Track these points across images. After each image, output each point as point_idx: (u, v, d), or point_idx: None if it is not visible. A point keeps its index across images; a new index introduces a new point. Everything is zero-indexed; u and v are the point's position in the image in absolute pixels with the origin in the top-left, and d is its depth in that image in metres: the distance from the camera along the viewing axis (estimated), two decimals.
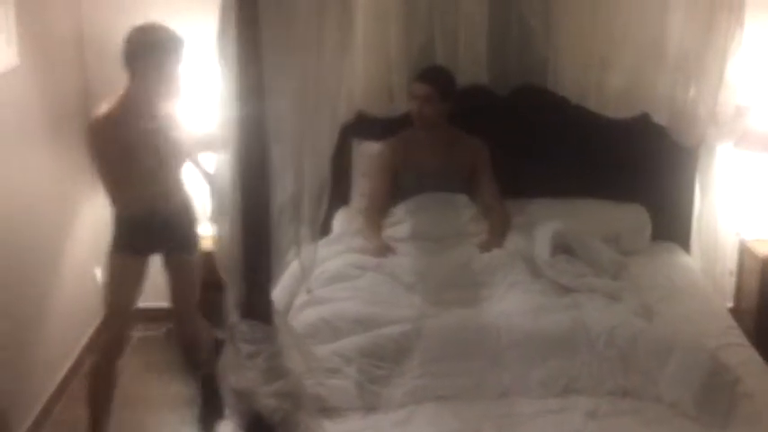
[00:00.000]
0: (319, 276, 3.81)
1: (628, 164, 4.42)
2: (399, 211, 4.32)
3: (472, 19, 4.48)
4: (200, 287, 4.07)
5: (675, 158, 4.47)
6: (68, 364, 4.57)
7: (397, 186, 4.39)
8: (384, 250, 4.14)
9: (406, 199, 4.34)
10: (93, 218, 4.69)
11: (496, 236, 4.19)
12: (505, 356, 3.38)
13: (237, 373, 2.60)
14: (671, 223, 4.54)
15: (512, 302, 3.71)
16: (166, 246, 3.92)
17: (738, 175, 4.56)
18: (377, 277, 3.92)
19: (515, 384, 3.29)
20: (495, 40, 4.54)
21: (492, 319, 3.57)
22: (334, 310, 3.59)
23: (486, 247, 4.13)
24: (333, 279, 3.88)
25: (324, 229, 3.89)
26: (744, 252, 4.63)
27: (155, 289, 4.99)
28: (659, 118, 4.44)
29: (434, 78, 4.29)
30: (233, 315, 2.67)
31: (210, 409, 3.96)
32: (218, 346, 2.77)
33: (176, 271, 4.02)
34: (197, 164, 4.06)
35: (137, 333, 4.94)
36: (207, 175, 4.02)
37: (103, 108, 3.65)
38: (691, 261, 4.46)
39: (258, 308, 2.65)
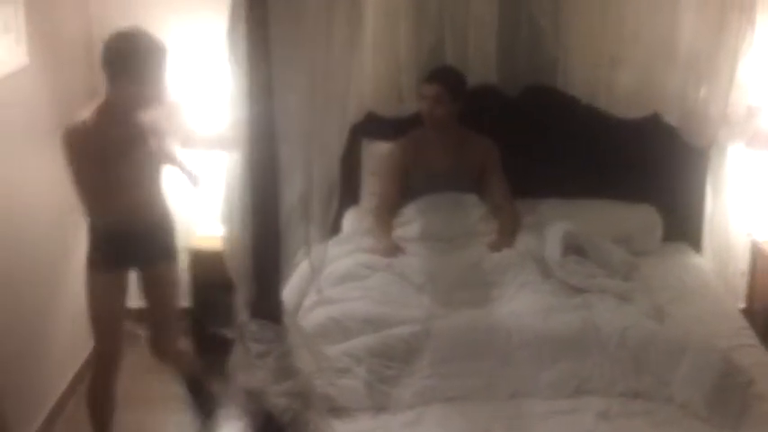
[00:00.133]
0: (329, 276, 3.80)
1: (638, 164, 4.40)
2: (409, 210, 4.31)
3: (482, 19, 4.47)
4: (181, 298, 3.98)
5: (686, 159, 4.45)
6: (78, 364, 4.57)
7: (407, 186, 4.39)
8: (394, 250, 4.13)
9: (415, 199, 4.33)
10: None
11: (507, 236, 4.18)
12: (515, 357, 3.36)
13: (247, 373, 2.60)
14: (682, 224, 4.52)
15: (522, 303, 3.70)
16: (144, 258, 3.74)
17: (750, 176, 4.54)
18: (387, 277, 3.91)
19: (525, 385, 3.28)
20: (505, 40, 4.53)
21: (502, 320, 3.55)
22: (344, 310, 3.58)
23: (496, 247, 4.12)
24: (342, 279, 3.87)
25: (333, 229, 3.88)
26: (756, 253, 4.61)
27: None
28: (670, 118, 4.43)
29: (445, 78, 4.28)
30: (243, 315, 2.67)
31: (200, 412, 4.00)
32: (227, 345, 2.76)
33: (155, 283, 3.83)
34: (181, 167, 3.91)
35: (141, 332, 4.94)
36: (191, 177, 3.92)
37: (80, 115, 3.51)
38: (702, 262, 4.44)
39: (268, 307, 2.66)
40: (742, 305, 4.56)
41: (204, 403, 3.98)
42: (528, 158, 4.40)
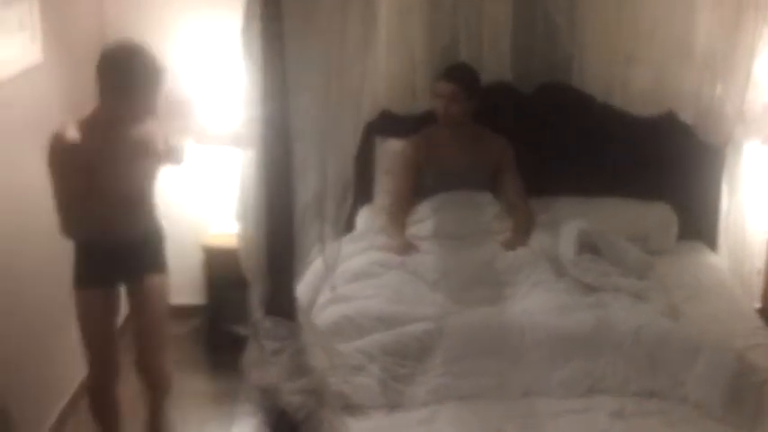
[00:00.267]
0: (343, 274, 3.80)
1: (654, 162, 4.39)
2: (423, 208, 4.31)
3: (497, 16, 4.46)
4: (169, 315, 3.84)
5: (702, 156, 4.43)
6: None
7: (421, 184, 4.38)
8: (407, 248, 4.12)
9: (429, 197, 4.33)
10: None
11: (521, 234, 4.17)
12: (529, 355, 3.36)
13: (261, 370, 2.60)
14: (698, 222, 4.51)
15: (536, 301, 3.69)
16: (131, 273, 3.64)
17: (766, 173, 4.51)
18: (400, 275, 3.91)
19: (539, 384, 3.28)
20: (520, 38, 4.52)
21: (515, 318, 3.55)
22: (358, 308, 3.58)
23: (510, 245, 4.11)
24: (356, 277, 3.87)
25: (347, 227, 3.89)
26: None
27: (173, 286, 5.02)
28: (686, 116, 4.41)
29: (460, 76, 4.28)
30: (257, 312, 2.67)
31: None
32: (241, 342, 2.76)
33: (142, 298, 3.70)
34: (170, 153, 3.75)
35: None
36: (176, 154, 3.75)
37: (68, 123, 3.43)
38: (718, 260, 4.42)
39: (282, 305, 2.65)
40: (758, 304, 4.53)
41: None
42: (542, 156, 4.39)
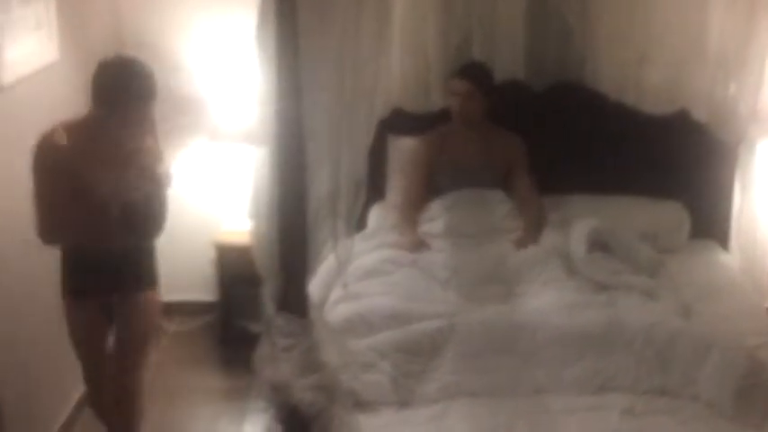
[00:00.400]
0: (354, 271, 3.80)
1: (666, 160, 4.38)
2: (435, 206, 4.31)
3: (510, 14, 4.46)
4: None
5: (715, 155, 4.42)
6: None
7: (433, 182, 4.39)
8: (419, 245, 4.13)
9: (441, 195, 4.33)
10: None
11: (532, 232, 4.18)
12: (540, 353, 3.36)
13: (273, 366, 2.62)
14: (710, 221, 4.49)
15: (547, 299, 3.69)
16: (119, 286, 3.48)
17: None
18: (412, 273, 3.91)
19: (550, 381, 3.29)
20: (533, 36, 4.51)
21: (527, 316, 3.55)
22: (370, 306, 3.59)
23: (521, 243, 4.11)
24: (368, 274, 3.88)
25: (359, 225, 3.90)
26: None
27: (185, 283, 5.05)
28: (699, 114, 4.39)
29: (475, 75, 4.28)
30: (269, 309, 2.68)
31: None
32: (253, 339, 2.78)
33: (125, 317, 3.53)
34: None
35: (171, 327, 4.99)
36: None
37: (57, 126, 3.33)
38: (729, 259, 4.41)
39: (294, 302, 2.67)
40: None
41: None
42: (555, 155, 4.38)
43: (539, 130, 4.41)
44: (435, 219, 4.26)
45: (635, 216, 4.33)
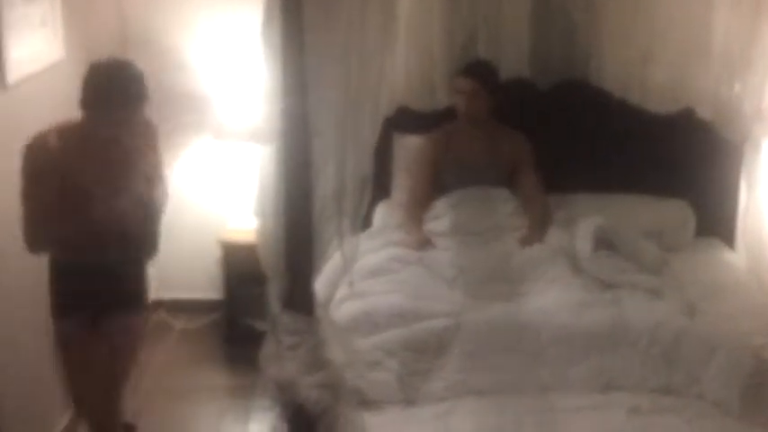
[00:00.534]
0: (360, 269, 3.80)
1: (671, 159, 4.38)
2: (440, 204, 4.31)
3: (515, 12, 4.46)
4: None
5: (720, 154, 4.41)
6: None
7: (439, 180, 4.39)
8: (424, 244, 4.13)
9: (447, 193, 4.33)
10: None
11: (537, 230, 4.18)
12: (546, 352, 3.37)
13: (279, 364, 2.62)
14: (715, 219, 4.49)
15: (552, 298, 3.69)
16: (107, 304, 3.35)
17: None
18: (417, 271, 3.91)
19: (556, 380, 3.29)
20: (538, 34, 4.51)
21: (532, 315, 3.55)
22: (375, 304, 3.59)
23: (527, 241, 4.11)
24: (374, 272, 3.88)
25: (365, 223, 3.90)
26: None
27: (191, 281, 5.05)
28: (704, 113, 4.39)
29: (480, 73, 4.28)
30: (275, 307, 2.69)
31: None
32: (259, 337, 2.78)
33: (109, 340, 3.39)
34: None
35: (177, 325, 5.00)
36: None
37: (48, 130, 3.24)
38: (735, 258, 4.40)
39: (300, 300, 2.67)
40: None
41: None
42: (560, 153, 4.38)
43: (544, 129, 4.40)
44: (441, 217, 4.26)
45: (640, 214, 4.33)
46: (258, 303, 2.85)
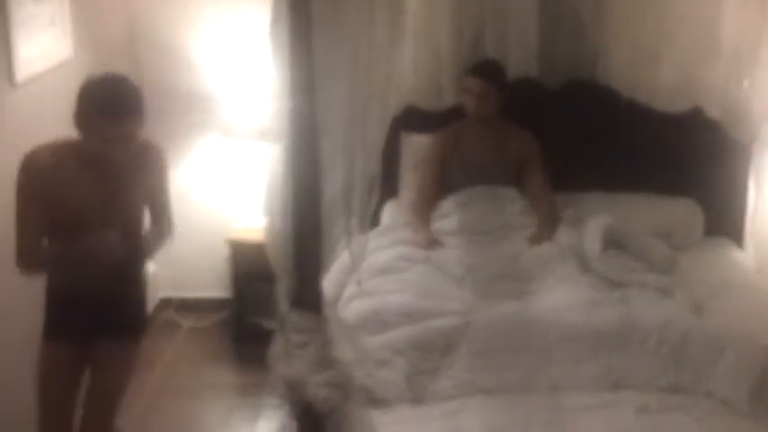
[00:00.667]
0: (368, 268, 3.81)
1: (680, 158, 4.37)
2: (448, 203, 4.32)
3: (522, 11, 4.46)
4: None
5: (729, 153, 4.41)
6: None
7: (447, 179, 4.39)
8: (432, 243, 4.13)
9: (455, 192, 4.34)
10: None
11: (546, 229, 4.18)
12: (554, 351, 3.37)
13: (287, 363, 2.62)
14: (724, 218, 4.48)
15: (561, 296, 3.69)
16: (101, 330, 3.24)
17: None
18: (425, 270, 3.92)
19: (564, 379, 3.29)
20: (546, 33, 4.51)
21: (541, 314, 3.55)
22: (383, 302, 3.60)
23: (535, 240, 4.12)
24: (381, 271, 3.88)
25: (373, 222, 3.90)
26: None
27: (199, 280, 5.06)
28: (712, 112, 4.39)
29: (489, 73, 4.28)
30: (283, 305, 2.69)
31: None
32: (267, 335, 2.78)
33: (103, 367, 3.29)
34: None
35: (185, 324, 5.01)
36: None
37: (47, 145, 3.12)
38: (744, 257, 4.40)
39: (308, 298, 2.67)
40: None
41: None
42: (568, 152, 4.38)
43: (552, 128, 4.40)
44: (449, 216, 4.27)
45: (649, 213, 4.32)
46: (266, 302, 2.85)
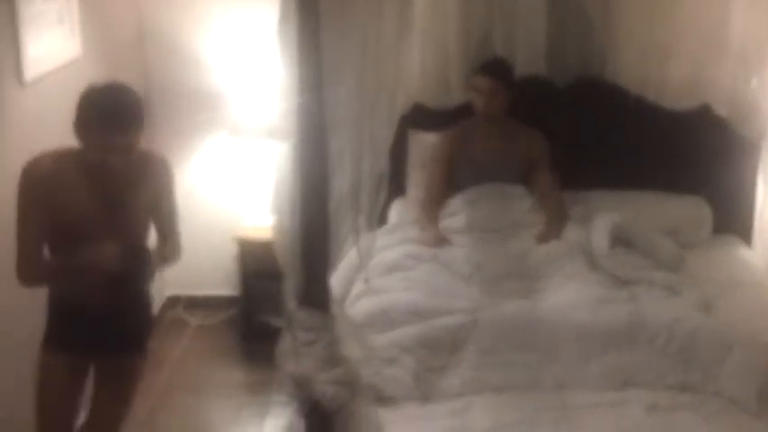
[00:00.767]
0: (376, 266, 3.82)
1: (688, 156, 4.37)
2: (456, 201, 4.31)
3: (531, 9, 4.45)
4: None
5: (737, 150, 4.40)
6: None
7: (455, 177, 4.39)
8: (440, 241, 4.13)
9: (463, 190, 4.33)
10: None
11: (554, 227, 4.17)
12: (562, 348, 3.37)
13: (295, 361, 2.62)
14: (732, 216, 4.47)
15: (569, 294, 3.69)
16: (104, 345, 3.16)
17: None
18: (433, 268, 3.92)
19: (573, 377, 3.29)
20: (554, 31, 4.51)
21: (549, 311, 3.55)
22: (391, 300, 3.60)
23: (543, 238, 4.11)
24: (389, 269, 3.88)
25: (380, 220, 3.90)
26: None
27: (207, 278, 5.07)
28: (721, 110, 4.38)
29: (498, 71, 4.27)
30: (291, 303, 2.69)
31: None
32: (275, 333, 2.79)
33: (108, 383, 3.25)
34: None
35: (193, 321, 5.02)
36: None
37: (47, 153, 3.05)
38: (752, 255, 4.39)
39: (316, 296, 2.67)
40: None
41: None
42: (577, 150, 4.37)
43: (560, 126, 4.40)
44: (457, 214, 4.26)
45: (657, 211, 4.32)
46: (274, 300, 2.85)
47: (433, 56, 4.55)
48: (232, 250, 4.86)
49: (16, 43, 3.50)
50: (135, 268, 3.05)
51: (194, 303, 5.09)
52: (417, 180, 4.50)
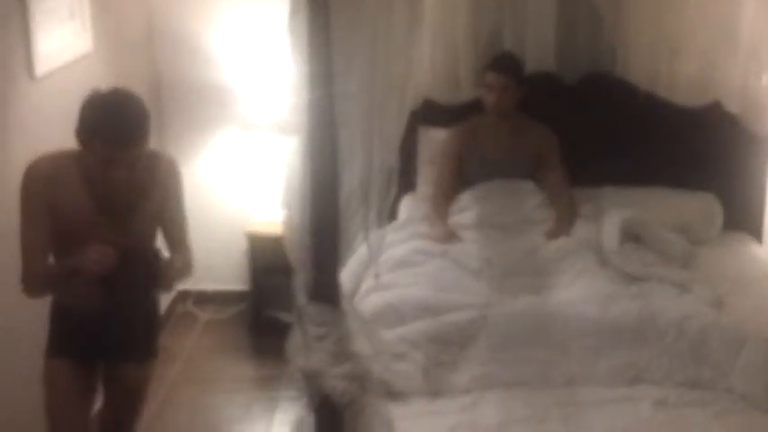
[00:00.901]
0: (385, 262, 3.82)
1: (698, 152, 4.36)
2: (466, 197, 4.31)
3: (540, 5, 4.45)
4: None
5: (748, 147, 4.39)
6: None
7: (464, 173, 4.38)
8: (450, 237, 4.13)
9: (472, 186, 4.33)
10: None
11: (564, 223, 4.17)
12: (572, 344, 3.37)
13: (305, 355, 2.63)
14: (743, 213, 4.46)
15: (579, 291, 3.69)
16: (112, 352, 3.13)
17: None
18: (443, 264, 3.92)
19: (582, 373, 3.29)
20: (564, 27, 4.50)
21: (559, 308, 3.55)
22: (401, 296, 3.60)
23: (553, 234, 4.11)
24: (399, 265, 3.89)
25: (390, 215, 3.90)
26: None
27: (217, 272, 5.08)
28: (731, 106, 4.36)
29: (508, 67, 4.26)
30: (301, 298, 2.69)
31: None
32: (285, 328, 2.80)
33: (116, 389, 3.21)
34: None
35: (204, 316, 5.04)
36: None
37: (49, 155, 2.99)
38: (763, 251, 4.38)
39: (326, 291, 2.67)
40: None
41: None
42: (586, 146, 4.37)
43: (570, 122, 4.39)
44: (466, 210, 4.26)
45: (667, 208, 4.31)
46: (284, 295, 2.86)
47: (443, 52, 4.55)
48: (242, 245, 4.87)
49: (27, 38, 3.51)
50: (135, 271, 2.98)
51: (204, 298, 5.11)
52: (427, 176, 4.50)
